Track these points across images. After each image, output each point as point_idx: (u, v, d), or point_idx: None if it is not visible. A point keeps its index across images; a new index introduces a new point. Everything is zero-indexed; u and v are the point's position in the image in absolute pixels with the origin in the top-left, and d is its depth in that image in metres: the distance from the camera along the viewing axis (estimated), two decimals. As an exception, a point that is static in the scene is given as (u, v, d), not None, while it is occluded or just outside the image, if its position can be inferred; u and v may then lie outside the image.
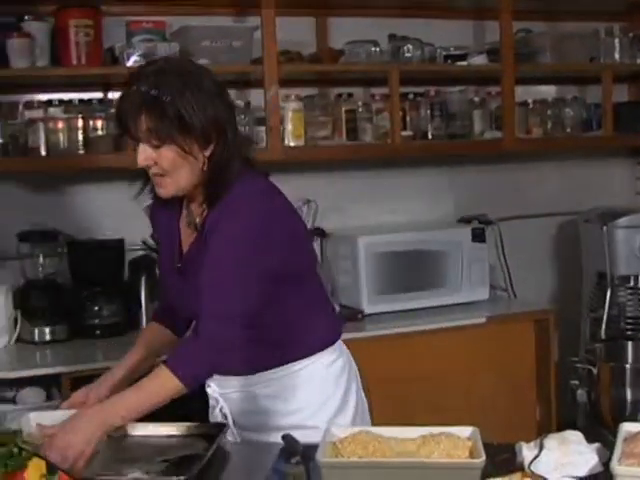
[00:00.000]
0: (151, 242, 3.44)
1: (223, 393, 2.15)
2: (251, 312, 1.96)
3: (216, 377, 2.11)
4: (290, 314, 2.10)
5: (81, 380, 2.96)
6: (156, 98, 1.88)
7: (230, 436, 2.12)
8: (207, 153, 1.95)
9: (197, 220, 2.06)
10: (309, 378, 2.12)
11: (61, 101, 3.34)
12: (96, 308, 3.33)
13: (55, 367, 2.99)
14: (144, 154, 1.93)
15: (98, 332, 3.32)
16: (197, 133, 1.91)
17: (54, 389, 3.00)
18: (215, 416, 2.18)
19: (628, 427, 1.80)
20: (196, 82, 1.93)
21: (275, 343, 2.09)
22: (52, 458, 1.71)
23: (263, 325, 2.05)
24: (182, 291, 2.08)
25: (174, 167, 1.93)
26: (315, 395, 2.14)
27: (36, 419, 2.01)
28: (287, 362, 2.10)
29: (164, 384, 1.88)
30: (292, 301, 2.09)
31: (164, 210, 2.14)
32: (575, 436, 1.76)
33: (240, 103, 3.52)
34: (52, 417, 2.00)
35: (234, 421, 2.14)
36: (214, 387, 2.15)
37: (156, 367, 1.93)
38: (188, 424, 2.05)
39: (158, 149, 1.91)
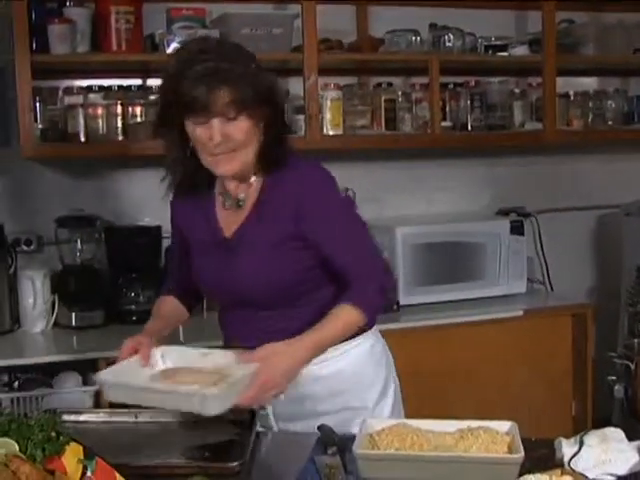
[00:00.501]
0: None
1: None
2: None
3: None
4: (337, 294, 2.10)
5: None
6: (229, 70, 1.89)
7: (264, 425, 2.09)
8: (261, 125, 1.97)
9: (242, 196, 2.06)
10: (354, 360, 2.12)
11: (101, 87, 3.37)
12: (132, 294, 3.36)
13: (91, 352, 3.00)
14: (221, 130, 1.91)
15: (134, 318, 3.33)
16: (266, 102, 1.95)
17: (90, 374, 3.00)
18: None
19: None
20: (254, 57, 2.00)
21: None
22: (254, 395, 1.81)
23: (315, 305, 2.05)
24: (228, 267, 2.06)
25: (246, 140, 1.94)
26: (361, 376, 2.13)
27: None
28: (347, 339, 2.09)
29: (348, 318, 1.96)
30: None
31: (186, 200, 2.14)
32: (616, 433, 1.74)
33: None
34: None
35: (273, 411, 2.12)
36: None
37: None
38: None
39: (233, 121, 1.91)
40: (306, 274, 2.05)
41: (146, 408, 1.94)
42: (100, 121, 3.28)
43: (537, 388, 3.51)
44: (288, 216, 2.00)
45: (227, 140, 1.92)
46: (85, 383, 3.00)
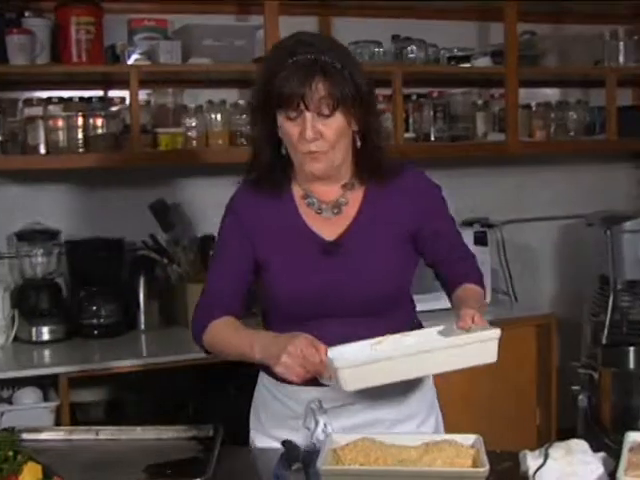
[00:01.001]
0: (151, 242, 3.44)
1: (333, 407, 1.94)
2: None
3: (328, 389, 1.87)
4: (410, 315, 2.14)
5: (79, 380, 2.97)
6: (329, 63, 1.84)
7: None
8: (357, 128, 1.93)
9: (342, 200, 1.99)
10: (417, 384, 2.06)
11: (61, 99, 3.32)
12: (94, 308, 3.31)
13: (52, 367, 2.97)
14: (313, 126, 1.84)
15: (96, 332, 3.30)
16: (362, 103, 1.90)
17: (51, 389, 2.97)
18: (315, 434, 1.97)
19: (634, 436, 1.78)
20: (351, 53, 1.98)
21: None
22: None
23: (396, 323, 1.98)
24: (332, 270, 1.95)
25: (338, 137, 1.88)
26: (423, 403, 2.09)
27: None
28: None
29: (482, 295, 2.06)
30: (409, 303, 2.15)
31: (259, 204, 2.00)
32: (580, 445, 1.73)
33: (242, 103, 3.50)
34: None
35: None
36: (321, 402, 1.95)
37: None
38: (177, 427, 2.00)
39: (326, 119, 1.85)
40: (409, 279, 2.06)
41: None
42: (61, 133, 3.24)
43: (501, 398, 3.51)
44: (405, 216, 1.98)
45: (319, 138, 1.86)
46: (46, 399, 2.96)
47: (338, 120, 1.87)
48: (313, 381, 1.88)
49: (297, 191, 2.01)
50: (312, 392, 1.94)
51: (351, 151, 1.97)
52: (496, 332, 1.75)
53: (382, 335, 1.87)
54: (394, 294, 2.00)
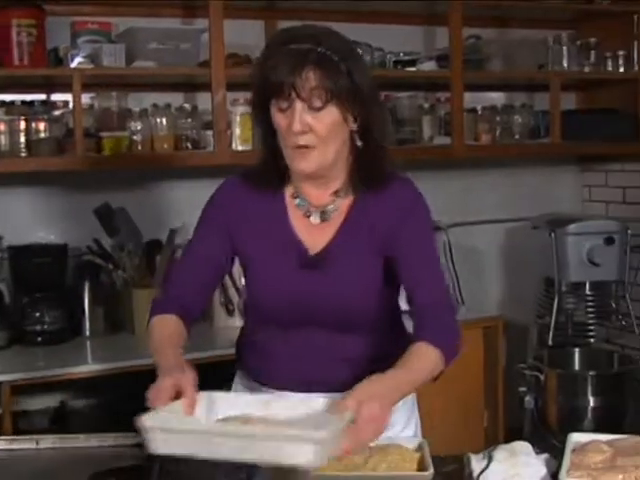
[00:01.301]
0: (95, 247, 3.39)
1: None
2: None
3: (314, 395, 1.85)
4: (395, 329, 2.03)
5: (21, 388, 2.92)
6: (325, 55, 1.74)
7: None
8: (355, 127, 1.83)
9: (330, 207, 1.91)
10: None
11: (2, 102, 3.26)
12: (38, 314, 3.25)
13: (-6, 375, 2.91)
14: (303, 118, 1.75)
15: (39, 339, 3.24)
16: (362, 98, 1.80)
17: (-7, 398, 2.92)
18: None
19: (577, 437, 1.80)
20: (356, 49, 1.89)
21: (387, 357, 1.84)
22: (367, 432, 1.55)
23: (379, 338, 1.94)
24: (313, 283, 1.88)
25: (329, 134, 1.78)
26: (403, 410, 2.05)
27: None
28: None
29: (431, 359, 1.73)
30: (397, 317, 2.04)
31: (248, 199, 1.94)
32: (524, 447, 1.74)
33: (187, 107, 3.48)
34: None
35: None
36: None
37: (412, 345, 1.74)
38: (121, 434, 1.97)
39: (318, 112, 1.76)
40: (394, 296, 1.97)
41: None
42: (2, 137, 3.18)
43: (449, 401, 3.51)
44: (381, 234, 1.86)
45: (308, 132, 1.77)
46: (-13, 408, 2.90)
47: (331, 114, 1.77)
48: (290, 387, 1.90)
49: (289, 190, 1.94)
50: (291, 398, 1.90)
51: (347, 154, 1.87)
52: (325, 435, 1.44)
53: (364, 349, 1.89)
54: (376, 310, 1.91)
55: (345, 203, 1.91)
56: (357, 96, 1.79)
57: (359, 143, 1.85)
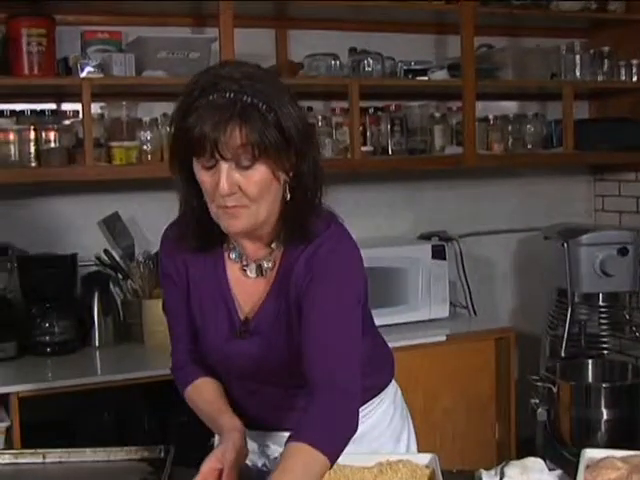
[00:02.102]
0: (105, 258, 3.38)
1: None
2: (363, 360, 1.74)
3: (283, 434, 1.74)
4: (372, 342, 1.95)
5: (30, 400, 2.90)
6: (252, 105, 1.57)
7: None
8: (288, 179, 1.67)
9: (265, 264, 1.78)
10: (384, 413, 2.00)
11: (12, 112, 3.26)
12: (47, 325, 3.24)
13: (3, 386, 2.89)
14: (230, 179, 1.59)
15: (49, 349, 3.23)
16: (293, 148, 1.63)
17: (2, 409, 2.90)
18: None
19: (591, 453, 1.76)
20: (289, 91, 1.67)
21: (368, 376, 1.82)
22: None
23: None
24: (239, 348, 1.80)
25: (261, 192, 1.62)
26: (391, 429, 2.01)
27: None
28: (372, 398, 1.95)
29: (314, 465, 1.55)
30: (367, 328, 1.87)
31: (186, 249, 1.81)
32: (536, 464, 1.71)
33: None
34: None
35: None
36: (276, 446, 1.86)
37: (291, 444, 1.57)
38: (127, 448, 1.95)
39: (246, 170, 1.60)
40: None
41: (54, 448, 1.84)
42: (12, 147, 3.16)
43: (461, 413, 3.49)
44: (295, 294, 1.73)
45: (237, 192, 1.61)
46: (-4, 419, 2.89)
47: (260, 172, 1.61)
48: (262, 427, 1.87)
49: (225, 241, 1.81)
50: (264, 436, 1.90)
51: (280, 206, 1.71)
52: None
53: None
54: (296, 370, 1.73)
55: (278, 255, 1.78)
56: (288, 148, 1.63)
57: (288, 197, 1.70)
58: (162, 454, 1.90)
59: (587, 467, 1.69)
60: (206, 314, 1.82)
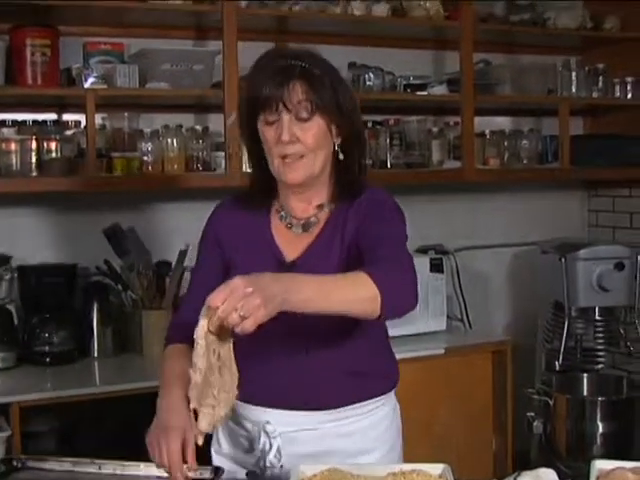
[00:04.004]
0: (105, 268, 3.38)
1: (287, 432, 1.95)
2: None
3: (288, 413, 1.94)
4: (375, 341, 2.03)
5: (30, 409, 2.89)
6: (309, 69, 1.86)
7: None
8: (339, 141, 1.92)
9: (313, 219, 1.98)
10: (383, 417, 2.05)
11: (14, 122, 3.26)
12: (46, 335, 3.24)
13: (3, 396, 2.88)
14: (290, 129, 1.85)
15: (48, 359, 3.23)
16: (345, 112, 1.90)
17: (2, 419, 2.88)
18: (256, 457, 1.98)
19: (600, 465, 1.78)
20: (337, 69, 1.98)
21: (366, 373, 1.99)
22: (230, 302, 1.52)
23: (357, 350, 1.96)
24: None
25: (317, 142, 1.88)
26: (387, 435, 2.06)
27: None
28: (373, 396, 2.01)
29: (362, 284, 1.67)
30: (375, 328, 1.99)
31: (237, 215, 2.03)
32: (549, 474, 1.72)
33: (198, 128, 3.48)
34: None
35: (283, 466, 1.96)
36: (275, 425, 1.94)
37: None
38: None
39: (304, 123, 1.86)
40: None
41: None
42: (14, 156, 3.16)
43: (458, 425, 3.51)
44: (355, 232, 1.91)
45: (296, 142, 1.86)
46: (-4, 428, 2.88)
47: (317, 124, 1.87)
48: (271, 403, 1.90)
49: (275, 206, 2.02)
50: (264, 414, 1.94)
51: (330, 169, 1.95)
52: None
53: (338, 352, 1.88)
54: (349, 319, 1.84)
55: (325, 215, 1.98)
56: (340, 110, 1.89)
57: (341, 156, 1.93)
58: (211, 475, 1.85)
59: (597, 478, 1.70)
60: (249, 265, 1.87)
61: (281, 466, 1.94)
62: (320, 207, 1.98)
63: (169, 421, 1.78)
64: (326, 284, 1.67)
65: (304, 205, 1.99)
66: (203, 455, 1.97)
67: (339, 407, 1.96)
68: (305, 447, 1.94)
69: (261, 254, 1.97)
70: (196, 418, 1.71)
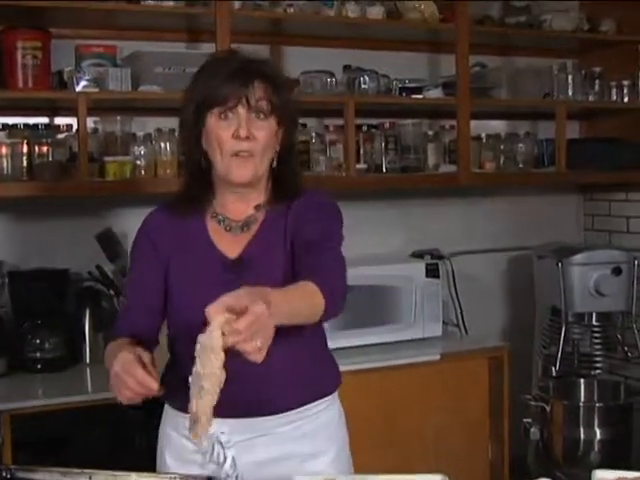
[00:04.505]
0: (97, 273, 3.34)
1: (242, 440, 1.95)
2: None
3: (243, 421, 1.94)
4: (317, 345, 2.09)
5: (22, 418, 2.85)
6: (269, 72, 1.93)
7: None
8: (277, 149, 1.98)
9: (252, 219, 2.01)
10: (331, 417, 2.08)
11: (5, 125, 3.22)
12: (37, 341, 3.19)
13: (-6, 404, 2.84)
14: (248, 125, 1.89)
15: (39, 366, 3.19)
16: (292, 120, 2.00)
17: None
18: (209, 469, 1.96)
19: (601, 475, 1.75)
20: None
21: (313, 375, 2.04)
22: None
23: (303, 353, 2.00)
24: (231, 287, 1.76)
25: (268, 142, 1.93)
26: (338, 434, 2.09)
27: None
28: (321, 397, 2.04)
29: (314, 293, 1.75)
30: (318, 333, 2.07)
31: (171, 221, 2.03)
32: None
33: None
34: None
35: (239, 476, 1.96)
36: (229, 435, 1.93)
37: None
38: (172, 474, 1.90)
39: (262, 121, 1.91)
40: None
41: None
42: (4, 160, 3.11)
43: (454, 431, 3.47)
44: (290, 232, 1.97)
45: (251, 140, 1.90)
46: (-14, 437, 2.83)
47: (271, 125, 1.92)
48: (220, 413, 1.85)
49: (209, 212, 2.03)
50: (223, 424, 1.90)
51: (267, 173, 2.01)
52: None
53: (283, 356, 1.87)
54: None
55: (263, 215, 2.02)
56: (289, 115, 1.97)
57: (275, 163, 1.99)
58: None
59: (599, 489, 1.68)
60: (192, 272, 1.98)
61: (236, 476, 1.93)
62: (258, 207, 2.02)
63: (124, 362, 1.74)
64: (288, 294, 1.72)
65: (243, 206, 2.02)
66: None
67: (291, 409, 1.99)
68: (260, 454, 1.96)
69: (202, 255, 2.00)
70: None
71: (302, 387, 2.00)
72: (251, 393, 1.93)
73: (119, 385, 1.73)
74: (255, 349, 1.55)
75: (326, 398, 2.06)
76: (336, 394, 2.13)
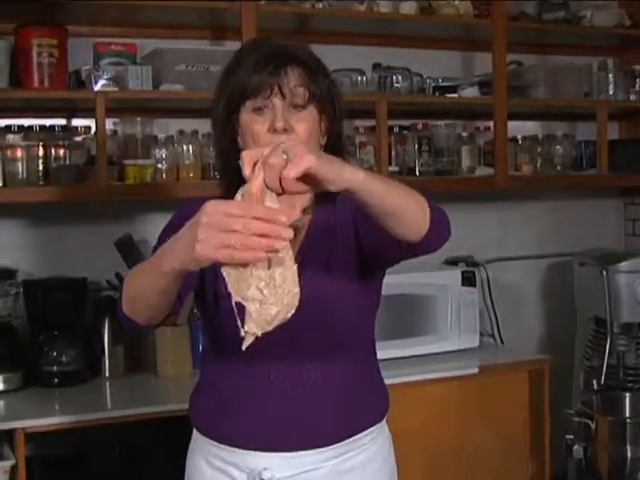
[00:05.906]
0: (116, 282, 3.21)
1: (286, 477, 1.78)
2: None
3: (289, 455, 1.77)
4: (374, 364, 1.92)
5: (37, 435, 2.71)
6: (303, 53, 1.73)
7: None
8: (323, 142, 1.76)
9: (299, 223, 1.74)
10: (380, 448, 1.89)
11: (20, 127, 3.10)
12: (54, 353, 3.08)
13: (7, 421, 2.70)
14: (282, 116, 1.67)
15: (56, 380, 3.07)
16: (337, 108, 1.77)
17: (5, 445, 2.72)
18: None
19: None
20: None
21: (361, 404, 1.85)
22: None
23: (351, 380, 1.83)
24: None
25: (309, 134, 1.70)
26: (386, 468, 1.90)
27: None
28: (367, 427, 1.85)
29: (417, 195, 1.51)
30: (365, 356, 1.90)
31: None
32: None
33: (216, 130, 3.32)
34: None
35: None
36: (272, 471, 1.77)
37: None
38: None
39: (300, 111, 1.69)
40: (369, 307, 1.87)
41: None
42: (19, 164, 3.01)
43: (493, 448, 3.32)
44: (349, 228, 1.75)
45: (290, 132, 1.67)
46: (0, 457, 2.69)
47: (311, 115, 1.72)
48: (267, 446, 1.71)
49: None
50: (260, 458, 1.75)
51: None
52: None
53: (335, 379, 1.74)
54: (352, 321, 1.80)
55: (307, 218, 1.81)
56: (332, 102, 1.76)
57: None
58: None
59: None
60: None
61: None
62: (305, 211, 1.77)
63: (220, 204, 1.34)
64: (383, 177, 1.48)
65: (287, 210, 1.74)
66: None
67: (339, 442, 1.80)
68: None
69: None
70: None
71: (347, 418, 1.82)
72: (296, 425, 1.77)
73: (213, 235, 1.29)
74: (281, 161, 1.30)
75: (372, 428, 1.87)
76: (384, 423, 1.94)
